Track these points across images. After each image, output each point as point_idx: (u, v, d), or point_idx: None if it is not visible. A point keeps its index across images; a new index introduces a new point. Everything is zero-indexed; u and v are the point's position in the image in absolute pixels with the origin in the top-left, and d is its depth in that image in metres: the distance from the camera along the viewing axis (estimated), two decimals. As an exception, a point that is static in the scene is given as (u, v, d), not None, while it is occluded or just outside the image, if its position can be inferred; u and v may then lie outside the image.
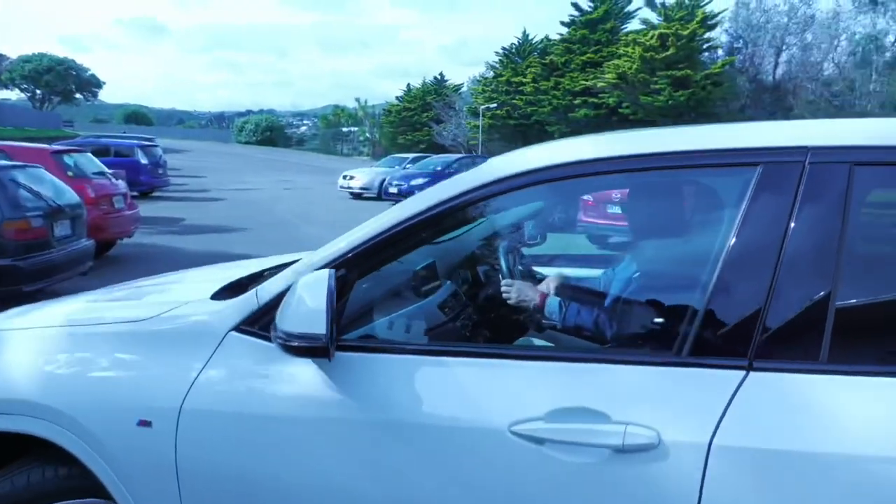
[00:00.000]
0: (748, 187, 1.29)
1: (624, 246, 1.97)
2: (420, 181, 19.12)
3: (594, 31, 38.96)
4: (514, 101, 41.94)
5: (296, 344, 1.37)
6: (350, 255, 1.51)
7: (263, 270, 2.18)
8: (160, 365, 1.61)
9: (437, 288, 2.10)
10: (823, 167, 1.24)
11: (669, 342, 1.31)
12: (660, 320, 1.53)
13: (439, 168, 20.31)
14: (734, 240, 1.27)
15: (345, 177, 22.04)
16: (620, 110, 35.94)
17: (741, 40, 35.69)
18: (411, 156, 25.17)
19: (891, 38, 38.73)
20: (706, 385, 1.22)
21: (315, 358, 1.41)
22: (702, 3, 33.45)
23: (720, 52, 36.22)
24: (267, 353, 1.51)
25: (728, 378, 1.20)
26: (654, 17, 35.51)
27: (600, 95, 36.26)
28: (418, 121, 55.39)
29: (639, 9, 39.04)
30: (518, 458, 1.26)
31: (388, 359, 1.47)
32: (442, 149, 45.33)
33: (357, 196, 21.46)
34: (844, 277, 1.19)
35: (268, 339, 1.51)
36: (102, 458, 1.58)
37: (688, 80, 31.84)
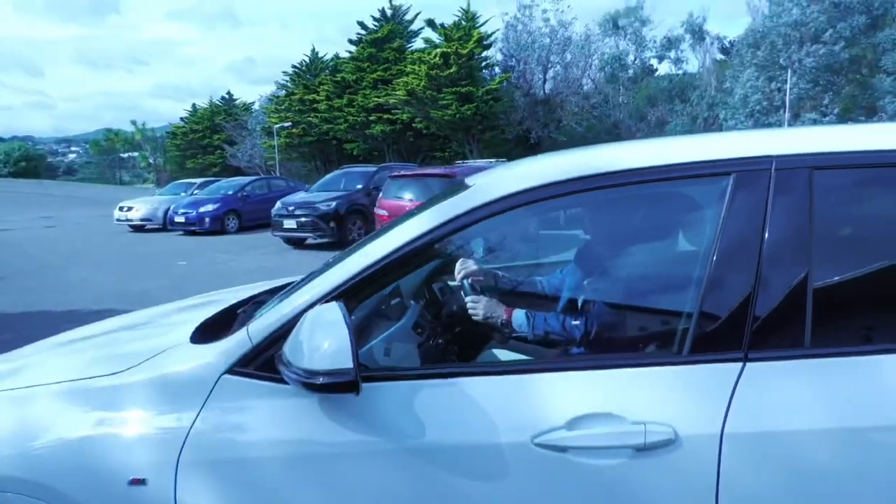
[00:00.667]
0: (725, 195, 1.39)
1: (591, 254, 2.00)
2: (210, 207, 17.78)
3: (382, 50, 39.93)
4: (309, 118, 41.32)
5: (321, 381, 1.32)
6: (350, 284, 1.50)
7: (235, 306, 2.07)
8: (148, 418, 1.51)
9: (405, 309, 2.09)
10: (789, 172, 1.36)
11: (670, 343, 1.41)
12: (659, 323, 1.58)
13: (231, 192, 19.08)
14: (718, 244, 1.37)
15: (121, 208, 19.79)
16: (414, 125, 37.26)
17: (513, 59, 39.15)
18: (199, 180, 23.38)
19: (631, 57, 45.40)
20: (710, 379, 1.30)
21: (341, 393, 1.35)
22: (477, 25, 36.08)
23: (497, 69, 39.37)
24: (269, 393, 1.46)
25: (728, 371, 1.30)
26: (435, 37, 37.48)
27: (393, 112, 37.23)
28: (209, 143, 51.95)
29: (422, 29, 40.81)
30: (545, 468, 1.30)
31: (403, 385, 1.44)
32: (237, 171, 43.01)
33: (138, 228, 19.35)
34: (817, 271, 1.31)
35: (266, 378, 1.47)
36: None
37: (471, 95, 34.04)
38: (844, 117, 32.27)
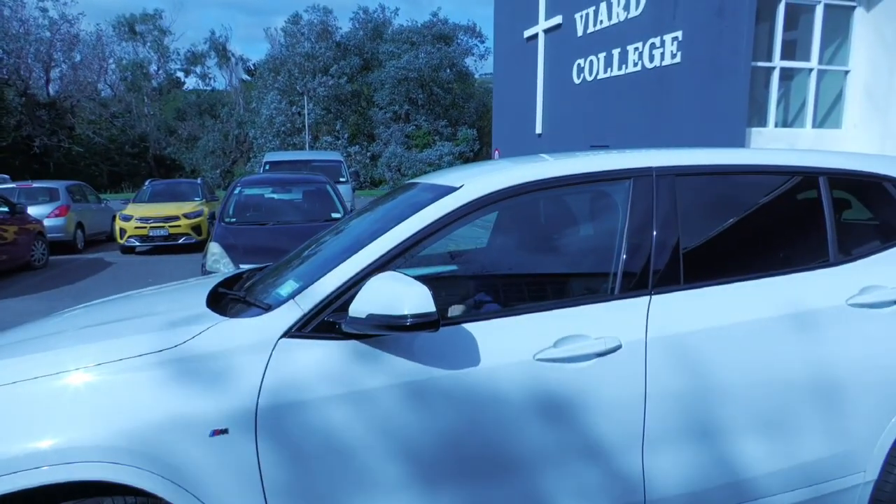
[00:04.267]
0: (629, 191, 2.10)
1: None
2: None
3: None
4: None
5: (409, 322, 1.67)
6: (383, 261, 1.89)
7: (225, 289, 2.34)
8: (220, 380, 1.73)
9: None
10: (662, 178, 2.12)
11: (608, 287, 2.07)
12: (600, 277, 2.15)
13: None
14: (628, 224, 2.07)
15: None
16: None
17: (0, 49, 32.12)
18: None
19: (154, 67, 42.98)
20: (632, 307, 1.98)
21: (425, 331, 1.70)
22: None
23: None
24: (324, 347, 1.80)
25: (642, 301, 1.99)
26: None
27: None
28: None
29: None
30: (544, 374, 1.87)
31: (449, 328, 1.88)
32: None
33: None
34: (683, 238, 2.07)
35: (319, 337, 1.80)
36: (180, 483, 1.66)
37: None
38: (353, 142, 37.86)
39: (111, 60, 38.43)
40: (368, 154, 38.04)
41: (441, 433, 1.80)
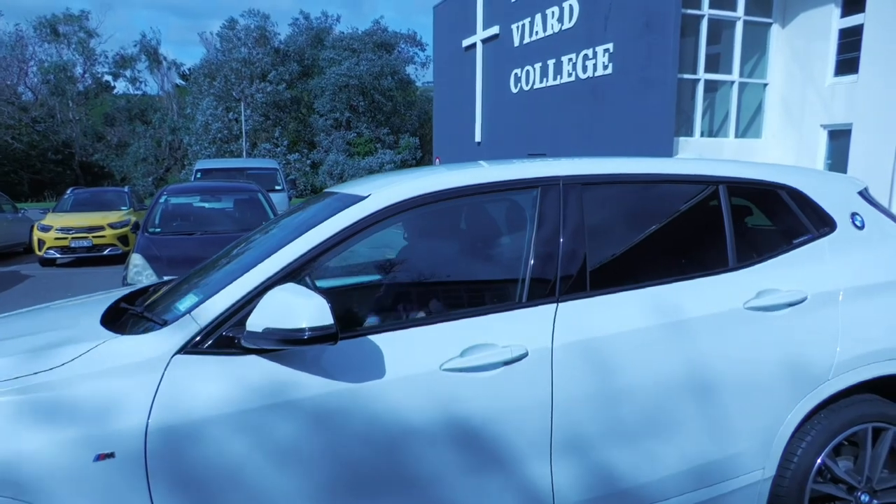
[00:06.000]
0: (536, 200, 2.14)
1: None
2: None
3: None
4: None
5: (307, 336, 1.64)
6: (284, 273, 1.84)
7: (126, 307, 2.23)
8: (105, 401, 1.64)
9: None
10: (569, 187, 2.15)
11: (516, 295, 2.06)
12: (508, 285, 2.14)
13: None
14: (537, 231, 2.10)
15: None
16: None
17: None
18: None
19: (79, 69, 41.02)
20: (539, 316, 1.99)
21: (323, 344, 1.66)
22: None
23: None
24: (221, 364, 1.73)
25: (549, 309, 2.01)
26: None
27: None
28: None
29: None
30: (450, 384, 1.85)
31: (344, 343, 1.83)
32: None
33: None
34: (589, 247, 2.09)
35: (215, 353, 1.74)
36: None
37: None
38: (293, 149, 37.19)
39: (32, 63, 36.50)
40: (309, 161, 37.44)
41: (345, 448, 1.75)
